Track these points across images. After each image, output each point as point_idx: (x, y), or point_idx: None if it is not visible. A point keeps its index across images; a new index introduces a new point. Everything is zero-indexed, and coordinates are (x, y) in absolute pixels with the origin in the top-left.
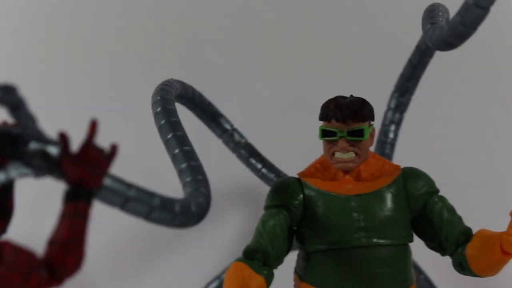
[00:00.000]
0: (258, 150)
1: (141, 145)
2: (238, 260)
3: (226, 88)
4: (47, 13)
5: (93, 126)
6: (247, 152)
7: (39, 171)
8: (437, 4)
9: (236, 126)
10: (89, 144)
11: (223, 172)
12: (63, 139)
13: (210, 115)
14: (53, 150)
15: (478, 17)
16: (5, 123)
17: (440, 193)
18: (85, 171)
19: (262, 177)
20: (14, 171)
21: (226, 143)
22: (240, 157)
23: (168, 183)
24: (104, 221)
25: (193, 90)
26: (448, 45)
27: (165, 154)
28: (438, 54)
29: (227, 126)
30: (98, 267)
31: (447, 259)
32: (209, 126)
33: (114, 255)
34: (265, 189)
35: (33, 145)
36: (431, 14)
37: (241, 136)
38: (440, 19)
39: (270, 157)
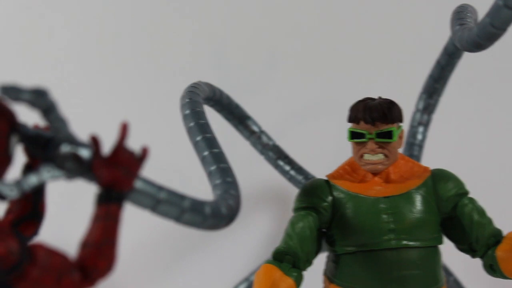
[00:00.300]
0: (286, 152)
1: (170, 147)
2: (268, 262)
3: (254, 90)
4: (79, 17)
5: (124, 129)
6: (275, 154)
7: (71, 174)
8: (465, 5)
9: (264, 128)
10: (120, 146)
11: (251, 175)
12: (95, 142)
13: (238, 117)
14: (85, 153)
15: (508, 18)
16: (37, 127)
17: (470, 195)
18: (116, 174)
19: (291, 179)
20: (46, 173)
21: (254, 145)
22: (268, 159)
23: (197, 185)
24: (133, 222)
25: (221, 92)
26: (478, 46)
27: (194, 156)
28: (466, 55)
29: (255, 128)
30: (127, 268)
31: (477, 261)
32: (237, 128)
33: (142, 257)
34: (294, 191)
35: (65, 148)
36: (460, 15)
37: (269, 138)
38: (469, 20)
39: (298, 159)
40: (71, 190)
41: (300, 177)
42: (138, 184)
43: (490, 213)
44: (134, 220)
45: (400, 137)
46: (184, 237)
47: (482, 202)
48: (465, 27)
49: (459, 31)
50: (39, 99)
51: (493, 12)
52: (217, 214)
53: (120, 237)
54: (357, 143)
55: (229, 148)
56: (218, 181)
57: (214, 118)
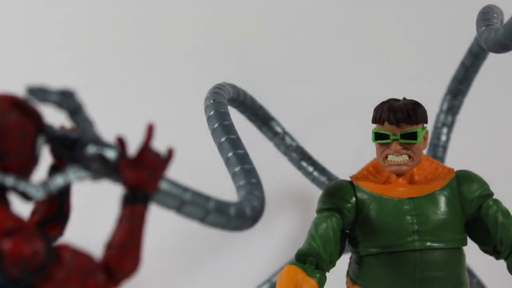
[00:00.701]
0: (309, 153)
1: (195, 148)
2: (291, 263)
3: (277, 91)
4: (100, 18)
5: (150, 130)
6: (299, 155)
7: (97, 175)
8: (491, 6)
9: (287, 129)
10: (146, 148)
11: (274, 176)
12: (121, 143)
13: (262, 118)
14: (111, 154)
15: None
16: (63, 128)
17: (495, 196)
18: (142, 175)
19: (314, 180)
20: (72, 174)
21: (277, 146)
22: (292, 160)
23: (222, 186)
24: (157, 224)
25: (245, 94)
26: (504, 47)
27: (219, 157)
28: (491, 56)
29: (279, 129)
30: (150, 269)
31: (501, 263)
32: (261, 129)
33: (165, 257)
34: (317, 192)
35: (91, 149)
36: (486, 16)
37: (292, 139)
38: (495, 21)
39: (321, 160)
40: (96, 191)
41: (323, 178)
42: (163, 185)
43: None
44: (157, 221)
45: (425, 138)
46: (207, 238)
47: (506, 203)
48: (491, 28)
49: (485, 32)
50: (66, 100)
51: None
52: (241, 215)
53: (145, 238)
54: (381, 144)
55: (253, 149)
56: (242, 182)
57: (237, 119)
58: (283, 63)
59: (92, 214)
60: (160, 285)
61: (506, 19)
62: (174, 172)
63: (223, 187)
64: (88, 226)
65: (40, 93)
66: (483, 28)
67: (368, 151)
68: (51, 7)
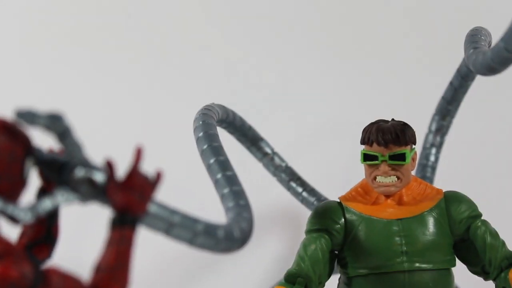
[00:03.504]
0: (299, 173)
1: (183, 170)
2: (280, 284)
3: (267, 111)
4: (88, 37)
5: (139, 153)
6: (288, 176)
7: (85, 198)
8: (479, 28)
9: (276, 149)
10: (135, 171)
11: (263, 196)
12: (109, 166)
13: (251, 139)
14: (99, 177)
15: None
16: (51, 150)
17: (483, 217)
18: (130, 198)
19: (303, 200)
20: (60, 197)
21: (267, 166)
22: (281, 180)
23: (210, 208)
24: (145, 244)
25: (234, 114)
26: (491, 70)
27: (208, 179)
28: (480, 77)
29: (268, 150)
30: None
31: (490, 284)
32: (250, 150)
33: (154, 279)
34: (306, 213)
35: (80, 172)
36: (474, 38)
37: (282, 159)
38: (483, 43)
39: (310, 180)
40: (85, 214)
41: (312, 199)
42: (152, 208)
43: (503, 235)
44: (146, 242)
45: (413, 159)
46: (196, 260)
47: (495, 224)
48: (479, 51)
49: (473, 54)
50: (55, 123)
51: (508, 36)
52: (230, 238)
53: (133, 260)
54: (370, 165)
55: (241, 170)
56: (231, 204)
57: (227, 140)
58: (272, 83)
59: (81, 237)
60: None
61: (494, 41)
62: (163, 194)
63: (212, 209)
64: (76, 248)
65: (29, 116)
66: (471, 50)
67: (357, 172)
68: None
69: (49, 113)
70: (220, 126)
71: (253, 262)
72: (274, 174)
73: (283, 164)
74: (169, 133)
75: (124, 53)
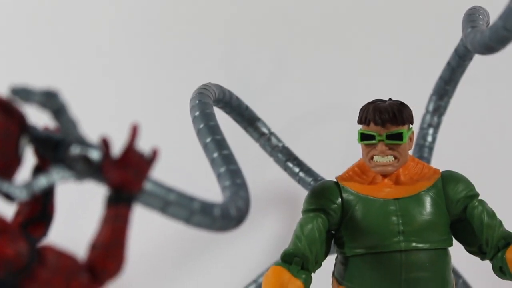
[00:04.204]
0: (296, 154)
1: (180, 149)
2: (277, 264)
3: (263, 92)
4: (86, 17)
5: (134, 131)
6: (285, 156)
7: (80, 175)
8: (477, 7)
9: (273, 130)
10: (130, 148)
11: (260, 177)
12: (105, 144)
13: (248, 119)
14: (95, 155)
15: None
16: (47, 128)
17: (480, 197)
18: (126, 176)
19: (300, 181)
20: (56, 175)
21: (263, 147)
22: (278, 161)
23: (207, 187)
24: (142, 224)
25: (231, 94)
26: (489, 49)
27: (204, 158)
28: (477, 57)
29: (265, 130)
30: (135, 270)
31: (486, 264)
32: (247, 130)
33: (151, 259)
34: (303, 193)
35: (75, 150)
36: (472, 18)
37: (279, 139)
38: (481, 22)
39: (307, 161)
40: (80, 192)
41: (309, 179)
42: (147, 185)
43: (500, 215)
44: (143, 222)
45: (411, 139)
46: (192, 239)
47: (492, 204)
48: (477, 30)
49: (471, 33)
50: (50, 100)
51: (506, 15)
52: (226, 216)
53: (129, 238)
54: (367, 145)
55: (238, 150)
56: (227, 183)
57: (223, 120)
58: (269, 63)
59: (76, 215)
60: (145, 286)
61: (492, 20)
62: (159, 173)
63: (208, 188)
64: (72, 226)
65: (24, 93)
66: (469, 29)
67: (354, 152)
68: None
69: (44, 90)
70: (216, 106)
71: (250, 242)
72: (271, 155)
73: (280, 145)
74: (166, 111)
75: (121, 30)
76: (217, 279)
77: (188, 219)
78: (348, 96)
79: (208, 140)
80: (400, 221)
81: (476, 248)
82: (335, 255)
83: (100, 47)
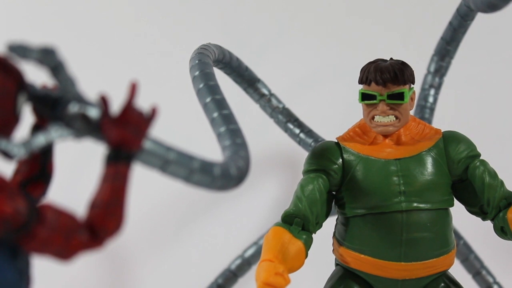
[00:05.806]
0: (296, 115)
1: (179, 108)
2: (277, 225)
3: (263, 53)
4: None
5: (133, 88)
6: (285, 117)
7: (79, 133)
8: None
9: (273, 91)
10: (129, 106)
11: (260, 138)
12: (104, 102)
13: (247, 80)
14: (93, 112)
15: None
16: (45, 86)
17: (481, 157)
18: (125, 133)
19: (300, 142)
20: (54, 133)
21: (264, 108)
22: (278, 122)
23: (207, 147)
24: (142, 185)
25: (231, 55)
26: (492, 7)
27: (204, 118)
28: (479, 17)
29: (265, 91)
30: (135, 230)
31: (487, 224)
32: (246, 91)
33: (151, 220)
34: (304, 154)
35: (73, 108)
36: None
37: (279, 101)
38: None
39: (308, 122)
40: (79, 150)
41: (310, 140)
42: (147, 144)
43: (501, 175)
44: (142, 182)
45: (412, 99)
46: (193, 200)
47: (493, 164)
48: None
49: None
50: (47, 57)
51: None
52: (226, 175)
53: (129, 198)
54: (368, 104)
55: (238, 111)
56: (227, 143)
57: (223, 81)
58: (270, 25)
59: (76, 174)
60: (145, 247)
61: None
62: (158, 132)
63: (208, 147)
64: (72, 185)
65: (21, 50)
66: None
67: (355, 113)
68: None
69: (42, 47)
70: (216, 66)
71: (250, 204)
72: (271, 116)
73: (281, 106)
74: (166, 71)
75: None
76: (218, 241)
77: (188, 178)
78: (349, 57)
79: (208, 99)
80: (401, 182)
81: (478, 208)
82: (335, 216)
83: (99, 4)
